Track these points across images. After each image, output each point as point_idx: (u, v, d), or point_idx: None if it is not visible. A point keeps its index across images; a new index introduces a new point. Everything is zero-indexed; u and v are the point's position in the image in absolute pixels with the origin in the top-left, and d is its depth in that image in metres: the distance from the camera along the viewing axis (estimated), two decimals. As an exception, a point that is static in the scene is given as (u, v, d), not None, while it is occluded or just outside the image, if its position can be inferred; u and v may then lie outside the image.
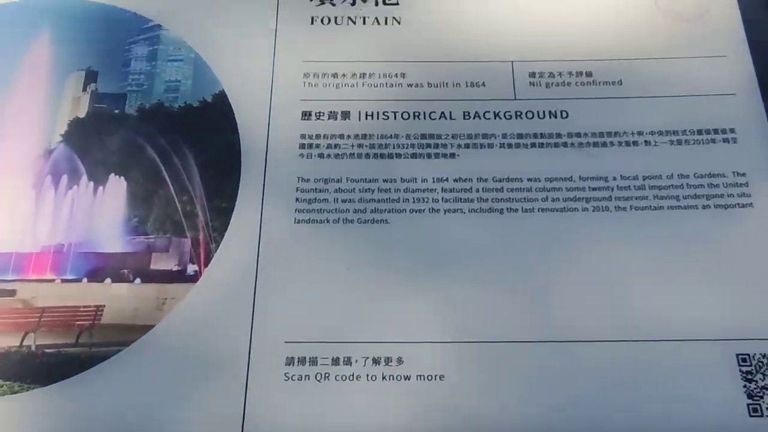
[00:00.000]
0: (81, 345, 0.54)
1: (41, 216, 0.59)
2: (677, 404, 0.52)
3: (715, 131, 0.61)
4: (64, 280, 0.57)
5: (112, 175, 0.60)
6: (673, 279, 0.56)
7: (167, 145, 0.61)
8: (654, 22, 0.67)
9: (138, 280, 0.57)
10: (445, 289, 0.56)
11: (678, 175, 0.60)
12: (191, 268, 0.57)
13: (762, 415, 0.51)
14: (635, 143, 0.61)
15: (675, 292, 0.55)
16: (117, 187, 0.60)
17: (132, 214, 0.59)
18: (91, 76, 0.64)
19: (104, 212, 0.59)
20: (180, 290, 0.56)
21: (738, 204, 0.58)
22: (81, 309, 0.56)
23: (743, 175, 0.60)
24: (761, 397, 0.51)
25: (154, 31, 0.66)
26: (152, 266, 0.57)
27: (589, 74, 0.64)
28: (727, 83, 0.64)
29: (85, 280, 0.57)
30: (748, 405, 0.51)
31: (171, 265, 0.57)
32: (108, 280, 0.57)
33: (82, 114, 0.63)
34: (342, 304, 0.56)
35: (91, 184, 0.60)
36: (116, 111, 0.64)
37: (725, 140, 0.61)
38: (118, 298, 0.56)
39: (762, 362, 0.52)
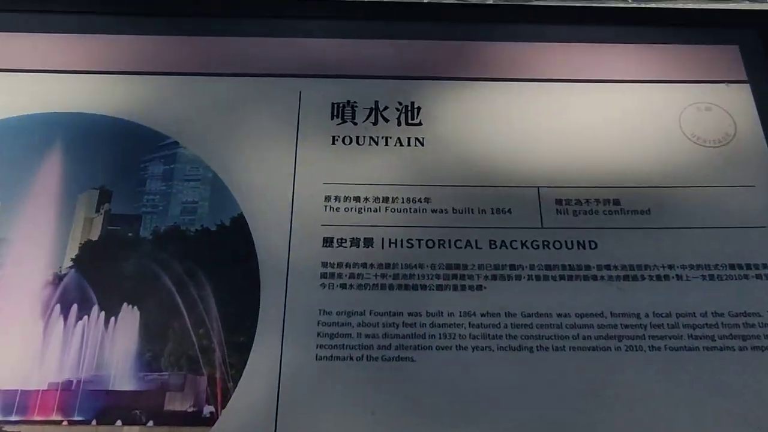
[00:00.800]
0: (89, 497, 0.50)
1: (49, 349, 0.56)
2: None
3: (748, 266, 0.60)
4: (71, 422, 0.54)
5: (125, 304, 0.57)
6: (708, 422, 0.54)
7: (183, 272, 0.58)
8: (681, 149, 0.66)
9: (151, 423, 0.54)
10: (474, 435, 0.53)
11: (712, 312, 0.58)
12: (207, 410, 0.54)
13: None
14: (666, 277, 0.60)
15: (710, 437, 0.53)
16: (130, 318, 0.57)
17: (145, 348, 0.56)
18: (104, 196, 0.62)
19: (116, 346, 0.56)
20: (195, 434, 0.53)
21: (775, 346, 0.57)
22: (90, 455, 0.52)
23: (778, 314, 0.58)
24: None
25: (170, 149, 0.64)
26: (166, 407, 0.54)
27: (616, 202, 0.63)
28: (756, 215, 0.63)
29: (94, 422, 0.54)
30: None
31: (186, 405, 0.54)
32: (119, 422, 0.54)
33: (94, 237, 0.61)
34: (367, 451, 0.53)
35: (103, 314, 0.57)
36: (130, 234, 0.61)
37: (758, 276, 0.60)
38: (129, 443, 0.53)
39: None
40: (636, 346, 0.57)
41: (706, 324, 0.58)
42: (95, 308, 0.57)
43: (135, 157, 0.64)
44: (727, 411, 0.55)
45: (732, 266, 0.60)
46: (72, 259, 0.59)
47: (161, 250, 0.60)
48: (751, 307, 0.59)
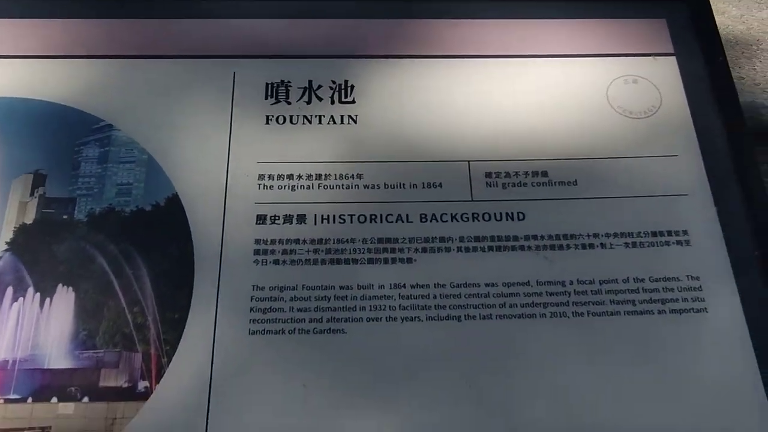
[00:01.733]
0: (25, 472, 0.52)
1: (-16, 331, 0.56)
2: None
3: (669, 233, 0.62)
4: (7, 400, 0.55)
5: (60, 285, 0.58)
6: (628, 387, 0.57)
7: (118, 253, 0.60)
8: (608, 121, 0.67)
9: (86, 399, 0.55)
10: (403, 402, 0.55)
11: (633, 278, 0.60)
12: (142, 385, 0.55)
13: None
14: (591, 246, 0.62)
15: (629, 400, 0.56)
16: (65, 298, 0.58)
17: (81, 327, 0.57)
18: (39, 180, 0.63)
19: (51, 326, 0.57)
20: (130, 408, 0.54)
21: (692, 309, 0.59)
22: (26, 432, 0.53)
23: (697, 278, 0.60)
24: None
25: (105, 132, 0.65)
26: (101, 383, 0.56)
27: (544, 174, 0.65)
28: (679, 183, 0.65)
29: (30, 399, 0.55)
30: None
31: (121, 381, 0.55)
32: (54, 399, 0.55)
33: (29, 220, 0.61)
34: (298, 422, 0.55)
35: (38, 295, 0.58)
36: (65, 217, 0.62)
37: (679, 242, 0.62)
38: (65, 419, 0.54)
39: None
40: (560, 312, 0.59)
41: (628, 289, 0.60)
42: (30, 290, 0.58)
43: (69, 141, 0.64)
44: (646, 371, 0.57)
45: (654, 233, 0.62)
46: (6, 243, 0.60)
47: (96, 231, 0.61)
48: (671, 272, 0.61)
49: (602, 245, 0.62)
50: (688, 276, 0.60)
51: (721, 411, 0.55)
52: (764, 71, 0.89)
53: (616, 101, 0.68)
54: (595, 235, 0.62)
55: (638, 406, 0.55)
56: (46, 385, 0.55)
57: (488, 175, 0.65)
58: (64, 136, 0.64)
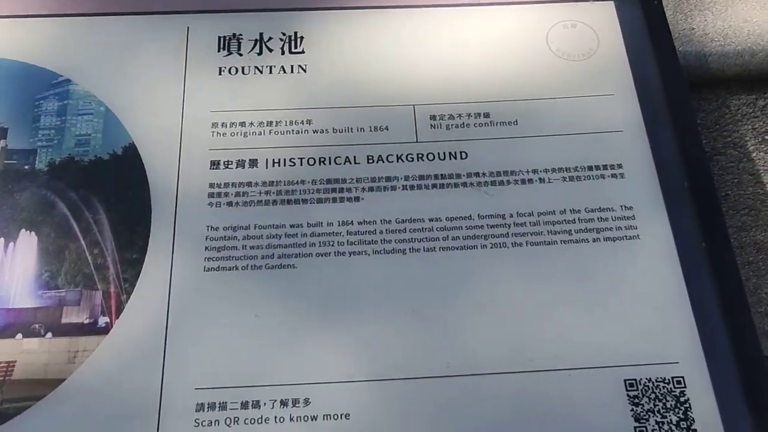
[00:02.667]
0: (-8, 402, 0.55)
1: (-50, 274, 0.59)
2: (571, 429, 0.54)
3: (605, 167, 0.65)
4: (-27, 338, 0.58)
5: (23, 230, 0.61)
6: (565, 311, 0.60)
7: (78, 199, 0.62)
8: (547, 63, 0.70)
9: (49, 335, 0.58)
10: (351, 331, 0.58)
11: (570, 210, 0.63)
12: (102, 320, 0.58)
13: (647, 438, 0.54)
14: (530, 181, 0.65)
15: (567, 323, 0.58)
16: (28, 242, 0.61)
17: (43, 269, 0.60)
18: (0, 133, 0.65)
19: (15, 268, 0.60)
20: (91, 342, 0.57)
21: (626, 236, 0.62)
22: (-9, 366, 0.56)
23: (630, 208, 0.63)
24: (647, 420, 0.55)
25: (63, 86, 0.68)
26: (63, 320, 0.59)
27: (486, 115, 0.68)
28: (615, 121, 0.67)
29: (-5, 337, 0.58)
30: (634, 428, 0.55)
31: (82, 318, 0.58)
32: (19, 336, 0.58)
33: (-8, 171, 0.64)
34: (251, 350, 0.57)
35: (2, 240, 0.61)
36: (26, 167, 0.65)
37: (614, 175, 0.65)
38: (29, 353, 0.57)
39: (647, 386, 0.56)
40: (501, 243, 0.62)
41: (565, 220, 0.63)
42: (-6, 235, 0.61)
43: (29, 96, 0.67)
44: (582, 295, 0.60)
45: (590, 168, 0.65)
46: (-29, 192, 0.63)
47: (57, 180, 0.64)
48: (606, 203, 0.64)
49: (541, 180, 0.65)
50: (621, 206, 0.63)
51: (653, 329, 0.58)
52: (715, 22, 0.92)
53: (555, 45, 0.71)
54: (534, 171, 0.65)
55: (575, 329, 0.58)
56: (10, 322, 0.58)
57: (432, 117, 0.68)
58: (24, 92, 0.67)
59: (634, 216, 0.63)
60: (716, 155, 0.79)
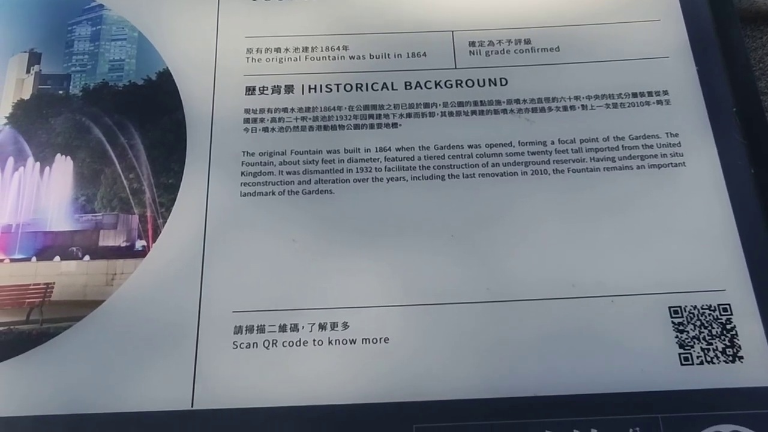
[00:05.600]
0: (32, 322, 0.55)
1: (-13, 198, 0.59)
2: (613, 356, 0.54)
3: (649, 93, 0.63)
4: (13, 260, 0.58)
5: (59, 155, 0.61)
6: (608, 237, 0.58)
7: (113, 124, 0.62)
8: (590, -12, 0.68)
9: (87, 258, 0.58)
10: (389, 256, 0.57)
11: (614, 137, 0.61)
12: (139, 244, 0.58)
13: (692, 364, 0.53)
14: (572, 108, 0.63)
15: (609, 250, 0.57)
16: (64, 167, 0.60)
17: (79, 193, 0.60)
18: (34, 58, 0.65)
19: (51, 192, 0.60)
20: (129, 265, 0.57)
21: (671, 164, 0.60)
22: (31, 287, 0.56)
23: (676, 135, 0.61)
24: (691, 347, 0.54)
25: (96, 12, 0.67)
26: (101, 243, 0.58)
27: (527, 41, 0.66)
28: (660, 47, 0.65)
29: (34, 258, 0.58)
30: (679, 354, 0.53)
31: (119, 241, 0.58)
32: (57, 258, 0.58)
33: (26, 96, 0.64)
34: (288, 274, 0.57)
35: (38, 165, 0.60)
36: (60, 92, 0.64)
37: (659, 102, 0.63)
38: (67, 276, 0.57)
39: (693, 314, 0.55)
40: (541, 170, 0.61)
41: (608, 147, 0.61)
42: (30, 160, 0.61)
43: (62, 21, 0.66)
44: (625, 223, 0.58)
45: (635, 94, 0.63)
46: (6, 117, 0.63)
47: (91, 104, 0.63)
48: (650, 130, 0.62)
49: (583, 107, 0.63)
50: (667, 133, 0.62)
51: (699, 256, 0.57)
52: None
53: (598, -33, 0.68)
54: (577, 98, 0.63)
55: (618, 256, 0.57)
56: (48, 245, 0.58)
57: (472, 44, 0.66)
58: (57, 17, 0.66)
59: (679, 143, 0.61)
60: (761, 95, 0.76)
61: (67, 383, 0.53)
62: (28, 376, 0.53)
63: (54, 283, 0.57)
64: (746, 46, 0.72)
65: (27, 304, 0.56)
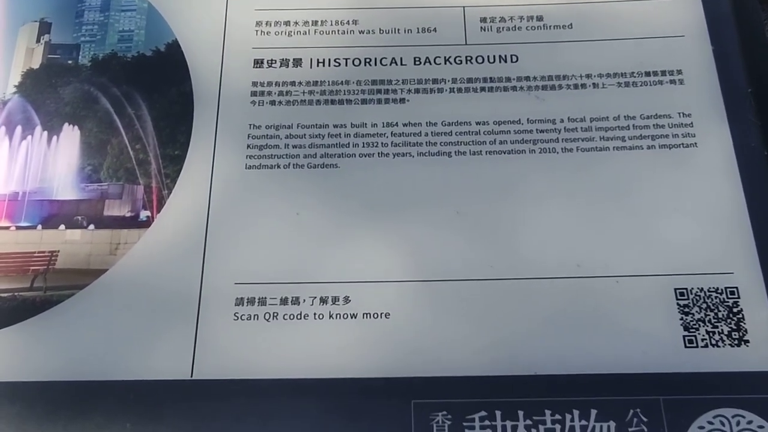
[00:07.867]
0: (35, 289, 0.55)
1: (-5, 166, 0.60)
2: (616, 337, 0.53)
3: (663, 73, 0.62)
4: (18, 227, 0.58)
5: (66, 124, 0.61)
6: (616, 217, 0.57)
7: (120, 94, 0.62)
8: (605, -35, 0.66)
9: (92, 226, 0.58)
10: (392, 231, 0.57)
11: (624, 116, 0.61)
12: (144, 214, 0.58)
13: (696, 346, 0.52)
14: (583, 86, 0.62)
15: (616, 230, 0.56)
16: (71, 136, 0.61)
17: (86, 162, 0.60)
18: (44, 27, 0.65)
19: (58, 161, 0.60)
20: (133, 235, 0.57)
21: (682, 144, 0.59)
22: (35, 255, 0.57)
23: (688, 115, 0.60)
24: (696, 329, 0.53)
25: (106, -18, 0.66)
26: (105, 212, 0.58)
27: (540, 18, 0.65)
28: (676, 25, 0.64)
29: (39, 226, 0.58)
30: (683, 337, 0.53)
31: (124, 211, 0.58)
32: (62, 227, 0.58)
33: (36, 65, 0.64)
34: (291, 247, 0.57)
35: (45, 134, 0.61)
36: (69, 62, 0.64)
37: (672, 81, 0.62)
38: (72, 244, 0.57)
39: (699, 296, 0.54)
40: (550, 148, 0.60)
41: (618, 126, 0.60)
42: (38, 128, 0.61)
43: (72, -9, 0.66)
44: (632, 200, 0.58)
45: (647, 73, 0.62)
46: (15, 86, 0.63)
47: (99, 75, 0.63)
48: (663, 110, 0.61)
49: (594, 85, 0.62)
50: (679, 113, 0.61)
51: (707, 238, 0.56)
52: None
53: (613, -56, 0.67)
54: (588, 76, 0.62)
55: (625, 236, 0.56)
56: (53, 214, 0.58)
57: (483, 20, 0.65)
58: (68, -13, 0.66)
59: (692, 123, 0.60)
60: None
61: (69, 350, 0.53)
62: (31, 342, 0.54)
63: (58, 251, 0.57)
64: (764, 25, 0.70)
65: (31, 272, 0.56)
